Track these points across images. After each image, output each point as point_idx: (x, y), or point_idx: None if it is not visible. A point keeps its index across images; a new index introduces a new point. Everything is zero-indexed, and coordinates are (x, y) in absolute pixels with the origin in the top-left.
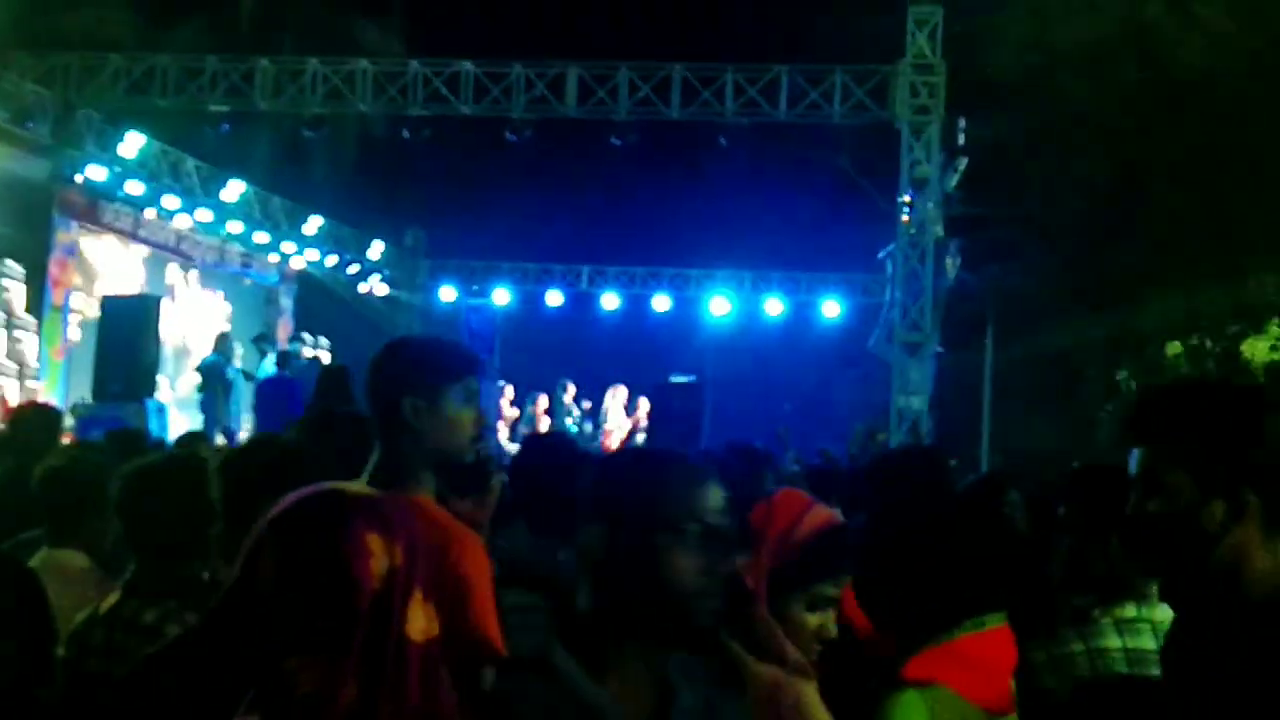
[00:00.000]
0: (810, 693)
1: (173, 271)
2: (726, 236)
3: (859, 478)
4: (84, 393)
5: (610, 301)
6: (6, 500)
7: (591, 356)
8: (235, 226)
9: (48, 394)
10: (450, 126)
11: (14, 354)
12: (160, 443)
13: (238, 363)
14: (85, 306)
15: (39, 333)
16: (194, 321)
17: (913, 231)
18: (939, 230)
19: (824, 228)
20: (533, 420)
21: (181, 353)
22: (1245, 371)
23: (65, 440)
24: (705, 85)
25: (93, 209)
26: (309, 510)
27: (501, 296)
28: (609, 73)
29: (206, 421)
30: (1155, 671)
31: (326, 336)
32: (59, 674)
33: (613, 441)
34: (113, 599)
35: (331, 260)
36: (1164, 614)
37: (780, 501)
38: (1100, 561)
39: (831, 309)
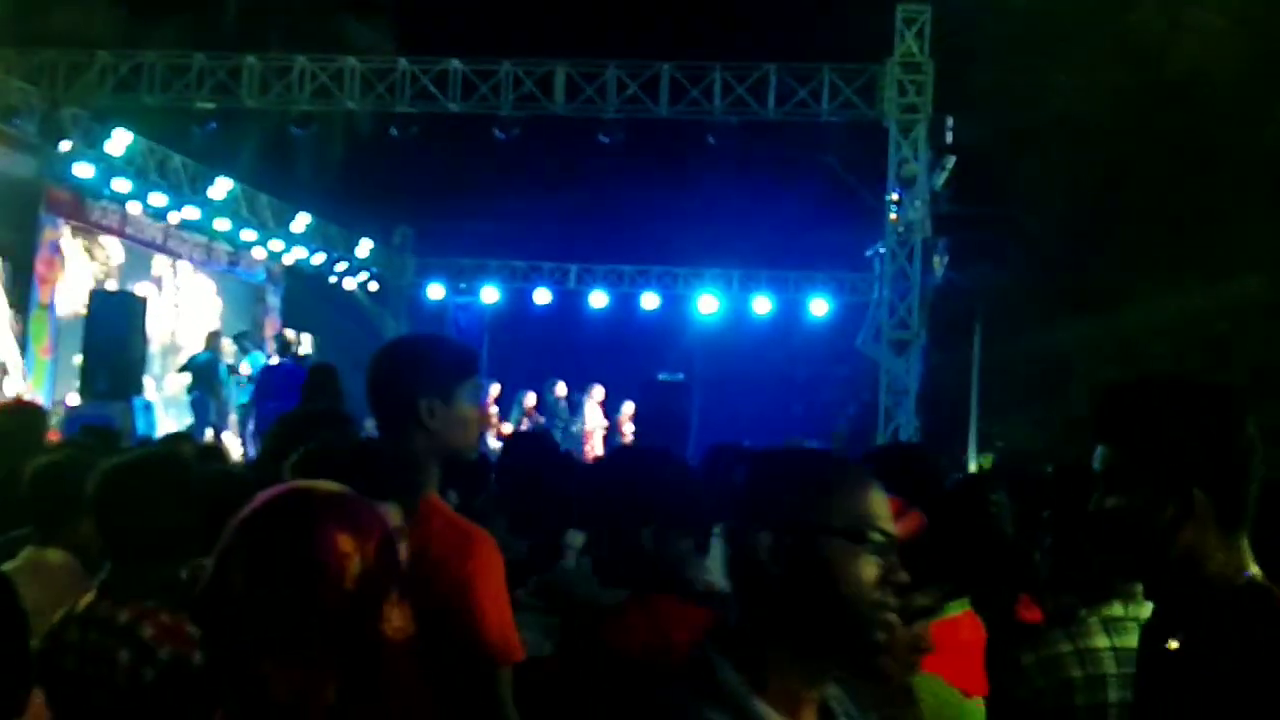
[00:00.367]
0: None
1: (160, 263)
2: (714, 235)
3: None
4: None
5: (598, 299)
6: None
7: (579, 354)
8: (223, 224)
9: (35, 392)
10: (438, 124)
11: None
12: (147, 440)
13: (229, 360)
14: (72, 303)
15: (26, 330)
16: (182, 316)
17: (900, 230)
18: (927, 229)
19: (812, 226)
20: (520, 418)
21: (169, 350)
22: (1232, 370)
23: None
24: (693, 83)
25: (80, 206)
26: (278, 510)
27: (489, 294)
28: (597, 71)
29: (197, 420)
30: None
31: (314, 334)
32: (32, 674)
33: (594, 441)
34: (88, 598)
35: (319, 258)
36: (1150, 612)
37: None
38: (1083, 561)
39: (819, 307)
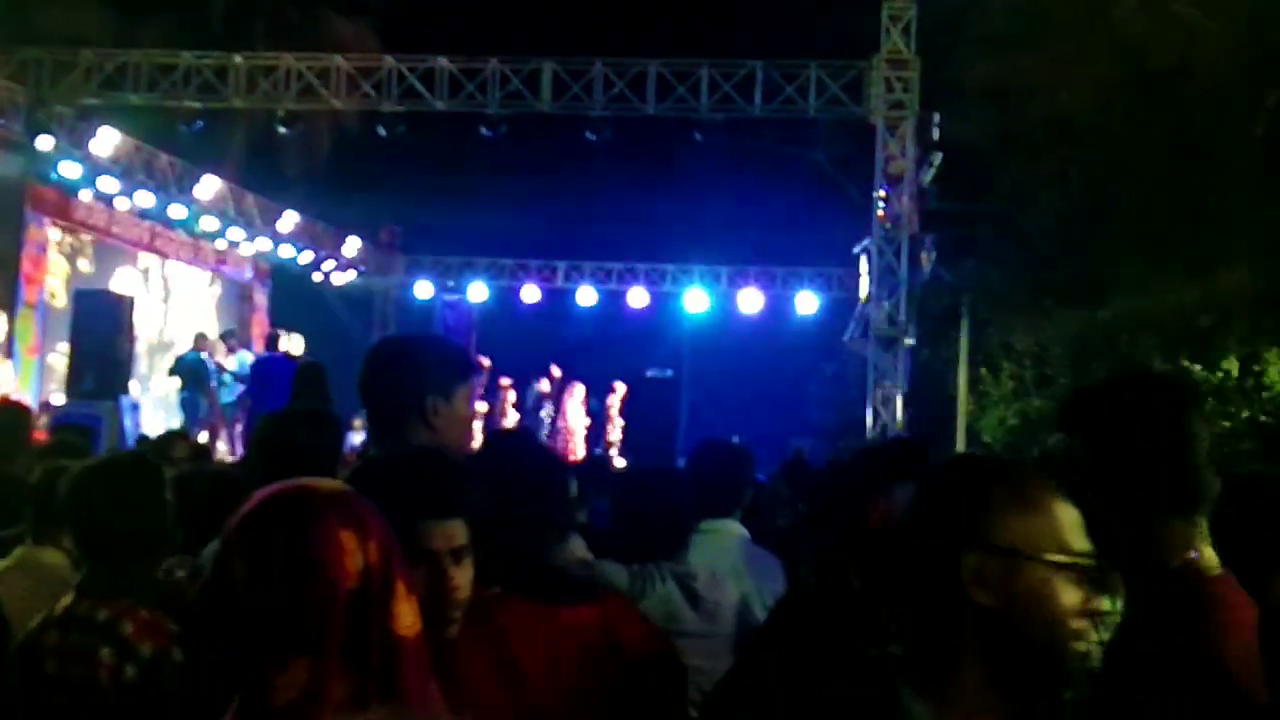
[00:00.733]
0: None
1: (146, 262)
2: (702, 231)
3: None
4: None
5: (586, 297)
6: None
7: (568, 352)
8: (210, 223)
9: (21, 392)
10: (425, 122)
11: None
12: (143, 439)
13: (217, 358)
14: (57, 302)
15: (12, 330)
16: (170, 316)
17: (888, 226)
18: (914, 225)
19: (799, 222)
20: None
21: (156, 349)
22: (1215, 365)
23: (39, 439)
24: (680, 81)
25: (66, 206)
26: (278, 508)
27: (477, 292)
28: (584, 68)
29: (187, 419)
30: None
31: (301, 333)
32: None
33: (574, 440)
34: (66, 600)
35: (306, 257)
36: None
37: None
38: None
39: (807, 304)
